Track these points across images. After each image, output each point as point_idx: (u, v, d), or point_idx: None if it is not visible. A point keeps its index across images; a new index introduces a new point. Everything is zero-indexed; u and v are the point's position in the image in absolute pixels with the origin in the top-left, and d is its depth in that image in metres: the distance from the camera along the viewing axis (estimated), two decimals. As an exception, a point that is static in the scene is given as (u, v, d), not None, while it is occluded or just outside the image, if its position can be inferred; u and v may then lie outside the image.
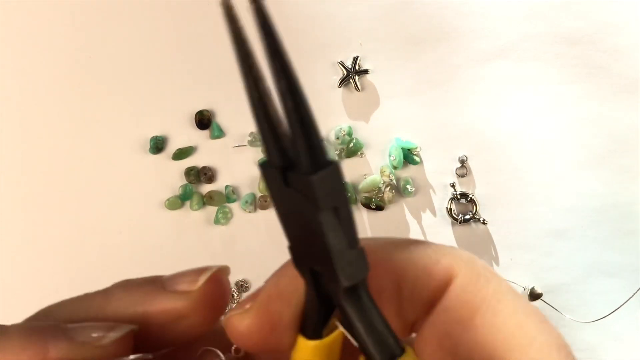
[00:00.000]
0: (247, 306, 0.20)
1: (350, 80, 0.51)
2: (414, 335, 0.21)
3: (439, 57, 0.51)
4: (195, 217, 0.52)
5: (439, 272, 0.20)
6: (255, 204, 0.51)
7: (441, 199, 0.53)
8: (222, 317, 0.21)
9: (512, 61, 0.51)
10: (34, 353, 0.19)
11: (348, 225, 0.18)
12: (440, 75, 0.51)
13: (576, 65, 0.51)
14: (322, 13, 0.51)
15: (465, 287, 0.19)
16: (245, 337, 0.20)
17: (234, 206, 0.52)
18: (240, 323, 0.20)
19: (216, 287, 0.21)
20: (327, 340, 0.20)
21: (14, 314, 0.52)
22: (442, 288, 0.20)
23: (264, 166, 0.18)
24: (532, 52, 0.51)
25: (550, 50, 0.51)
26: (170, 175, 0.52)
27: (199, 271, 0.21)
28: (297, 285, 0.20)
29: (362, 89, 0.51)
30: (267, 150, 0.18)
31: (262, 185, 0.51)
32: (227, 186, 0.51)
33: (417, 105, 0.52)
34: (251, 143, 0.51)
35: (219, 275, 0.21)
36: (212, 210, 0.52)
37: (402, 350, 0.18)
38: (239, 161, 0.52)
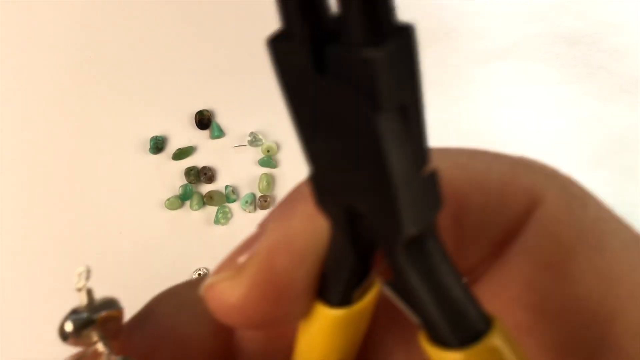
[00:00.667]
0: (239, 264, 0.14)
1: (350, 80, 0.51)
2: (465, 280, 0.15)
3: (439, 57, 0.51)
4: (195, 217, 0.52)
5: (516, 196, 0.14)
6: (255, 204, 0.51)
7: (441, 199, 0.53)
8: (202, 286, 0.15)
9: (512, 61, 0.51)
10: None
11: (418, 136, 0.11)
12: (440, 75, 0.51)
13: (576, 65, 0.51)
14: (322, 13, 0.51)
15: (555, 217, 0.13)
16: (237, 313, 0.14)
17: (234, 206, 0.52)
18: (230, 293, 0.14)
19: None
20: (358, 306, 0.14)
21: (14, 313, 0.52)
22: (520, 218, 0.14)
23: (276, 41, 0.11)
24: (532, 52, 0.51)
25: (550, 50, 0.51)
26: (170, 175, 0.52)
27: None
28: (315, 228, 0.13)
29: (362, 89, 0.51)
30: (287, 8, 0.10)
31: (263, 183, 0.51)
32: (227, 186, 0.51)
33: (417, 105, 0.51)
34: (251, 143, 0.51)
35: None
36: (212, 210, 0.52)
37: (488, 324, 0.12)
38: (239, 161, 0.52)
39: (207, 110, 0.51)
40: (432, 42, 0.51)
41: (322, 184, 0.12)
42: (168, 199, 0.51)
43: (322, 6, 0.10)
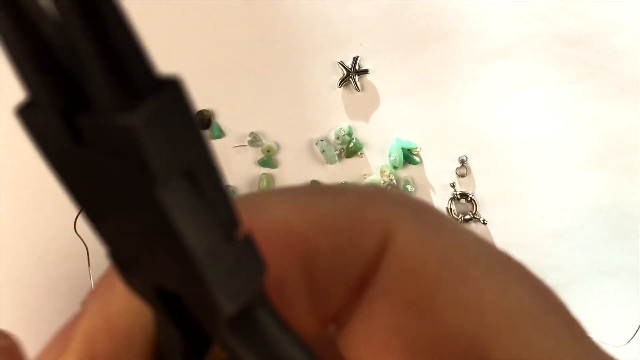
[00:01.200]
0: (56, 354, 0.12)
1: (350, 80, 0.51)
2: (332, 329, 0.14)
3: (439, 57, 0.51)
4: (195, 217, 0.52)
5: (367, 233, 0.13)
6: (255, 204, 0.51)
7: (441, 199, 0.53)
8: None
9: (512, 61, 0.51)
10: None
11: (217, 199, 0.10)
12: (440, 75, 0.51)
13: (576, 65, 0.51)
14: (322, 13, 0.51)
15: (410, 250, 0.12)
16: None
17: (234, 206, 0.52)
18: None
19: None
20: None
21: (16, 315, 0.52)
22: (375, 256, 0.13)
23: (24, 111, 0.09)
24: (532, 52, 0.51)
25: (550, 50, 0.51)
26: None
27: None
28: (140, 307, 0.12)
29: (362, 89, 0.51)
30: (25, 74, 0.09)
31: (263, 183, 0.51)
32: (227, 186, 0.51)
33: (417, 105, 0.52)
34: (251, 143, 0.51)
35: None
36: (212, 210, 0.52)
37: None
38: (239, 161, 0.52)
39: (207, 110, 0.51)
40: (432, 42, 0.51)
41: (123, 263, 0.11)
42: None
43: (70, 68, 0.09)
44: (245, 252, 0.10)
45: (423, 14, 0.51)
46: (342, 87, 0.51)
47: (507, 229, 0.53)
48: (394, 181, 0.52)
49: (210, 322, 0.11)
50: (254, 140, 0.51)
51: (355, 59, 0.51)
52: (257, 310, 0.11)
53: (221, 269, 0.10)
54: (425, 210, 0.13)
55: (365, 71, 0.51)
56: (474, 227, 0.53)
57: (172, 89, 0.09)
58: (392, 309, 0.12)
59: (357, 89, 0.51)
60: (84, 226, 0.42)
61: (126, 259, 0.11)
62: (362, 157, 0.52)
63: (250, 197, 0.13)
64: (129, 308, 0.12)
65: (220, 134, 0.51)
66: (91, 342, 0.12)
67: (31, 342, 0.17)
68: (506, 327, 0.12)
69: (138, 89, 0.08)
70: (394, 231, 0.13)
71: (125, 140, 0.08)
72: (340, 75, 0.51)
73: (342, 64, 0.51)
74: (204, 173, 0.09)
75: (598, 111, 0.52)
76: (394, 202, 0.13)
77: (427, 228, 0.13)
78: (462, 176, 0.52)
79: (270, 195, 0.13)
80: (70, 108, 0.09)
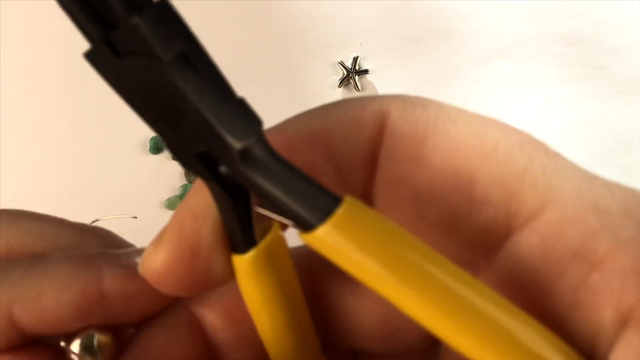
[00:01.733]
0: (159, 237, 0.17)
1: (350, 80, 0.51)
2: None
3: (439, 57, 0.51)
4: (195, 217, 0.52)
5: (368, 119, 0.16)
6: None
7: (441, 199, 0.53)
8: (138, 266, 0.17)
9: (512, 61, 0.51)
10: (87, 282, 0.17)
11: (210, 73, 0.14)
12: (440, 75, 0.51)
13: (576, 65, 0.51)
14: (322, 13, 0.51)
15: (401, 120, 0.16)
16: (167, 277, 0.16)
17: (234, 206, 0.52)
18: (155, 261, 0.16)
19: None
20: (264, 244, 0.16)
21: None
22: (377, 135, 0.16)
23: (88, 52, 0.14)
24: (532, 52, 0.51)
25: (550, 50, 0.51)
26: (170, 175, 0.52)
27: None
28: (207, 197, 0.16)
29: (362, 89, 0.51)
30: (83, 24, 0.14)
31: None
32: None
33: (417, 105, 0.52)
34: (251, 143, 0.51)
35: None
36: (212, 210, 0.52)
37: (338, 201, 0.14)
38: (239, 161, 0.52)
39: (207, 110, 0.52)
40: (432, 42, 0.51)
41: (177, 148, 0.15)
42: (168, 199, 0.51)
43: (102, 9, 0.13)
44: (242, 109, 0.14)
45: (423, 14, 0.51)
46: (342, 87, 0.51)
47: (507, 229, 0.53)
48: (394, 181, 0.52)
49: (232, 166, 0.14)
50: (254, 140, 0.51)
51: (355, 59, 0.51)
52: (262, 148, 0.14)
53: (225, 117, 0.13)
54: (414, 97, 0.17)
55: (365, 71, 0.51)
56: (474, 227, 0.53)
57: (162, 4, 0.13)
58: (394, 167, 0.16)
59: (357, 89, 0.51)
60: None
61: (174, 142, 0.14)
62: (362, 157, 0.52)
63: (280, 123, 0.17)
64: (202, 195, 0.16)
65: (220, 134, 0.51)
66: (180, 222, 0.16)
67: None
68: (485, 156, 0.16)
69: (139, 6, 0.13)
70: (387, 112, 0.16)
71: (137, 37, 0.13)
72: (340, 75, 0.51)
73: (342, 64, 0.51)
74: (196, 55, 0.14)
75: (598, 111, 0.52)
76: (386, 96, 0.17)
77: (414, 105, 0.16)
78: (462, 176, 0.52)
79: (292, 117, 0.17)
80: (108, 34, 0.13)
